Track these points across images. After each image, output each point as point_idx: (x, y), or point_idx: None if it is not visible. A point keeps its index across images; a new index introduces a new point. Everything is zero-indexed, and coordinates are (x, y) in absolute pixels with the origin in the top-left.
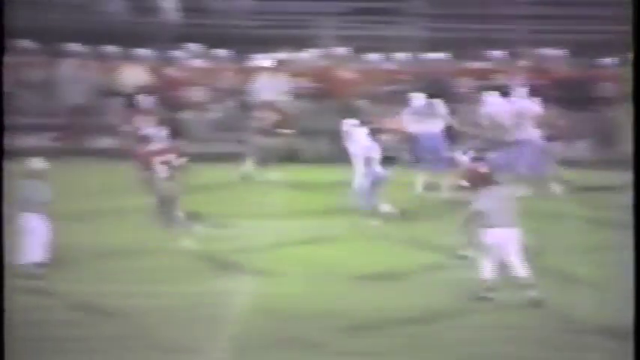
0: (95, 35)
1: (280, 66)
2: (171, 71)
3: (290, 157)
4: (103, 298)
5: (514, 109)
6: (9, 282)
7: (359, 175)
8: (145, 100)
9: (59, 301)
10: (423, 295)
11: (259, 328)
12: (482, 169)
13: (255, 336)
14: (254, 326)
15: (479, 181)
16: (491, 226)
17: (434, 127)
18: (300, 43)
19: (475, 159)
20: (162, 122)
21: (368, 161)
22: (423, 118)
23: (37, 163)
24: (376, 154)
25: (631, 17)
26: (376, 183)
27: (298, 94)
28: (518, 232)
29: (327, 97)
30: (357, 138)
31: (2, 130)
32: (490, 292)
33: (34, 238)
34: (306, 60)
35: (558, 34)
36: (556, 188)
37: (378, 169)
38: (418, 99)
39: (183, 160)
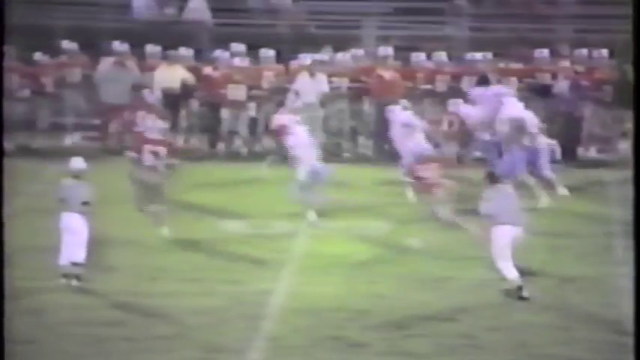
0: (136, 36)
1: (321, 66)
2: (210, 71)
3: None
4: (142, 297)
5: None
6: (41, 283)
7: (300, 171)
8: (149, 96)
9: (98, 301)
10: (459, 295)
11: (299, 327)
12: (429, 171)
13: (295, 335)
14: (294, 325)
15: (421, 188)
16: (499, 224)
17: (418, 137)
18: (342, 44)
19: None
20: (164, 116)
21: (307, 157)
22: (408, 130)
23: (78, 163)
24: (315, 150)
25: (631, 17)
26: (317, 179)
27: (339, 94)
28: (520, 230)
29: (369, 96)
30: (298, 133)
31: (2, 130)
32: (522, 290)
33: (74, 238)
34: (347, 60)
35: (603, 33)
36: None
37: (318, 165)
38: (400, 111)
39: (172, 155)
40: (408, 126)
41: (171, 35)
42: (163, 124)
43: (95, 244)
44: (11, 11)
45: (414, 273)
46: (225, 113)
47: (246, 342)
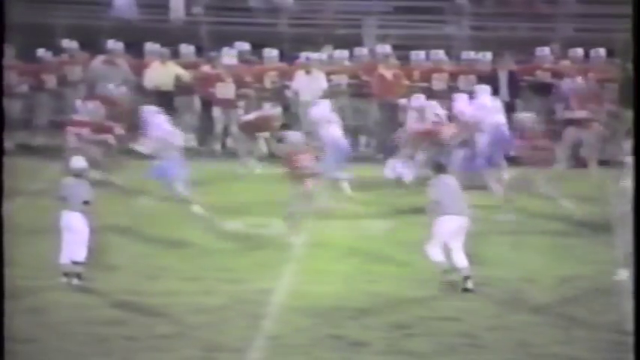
0: (133, 34)
1: (322, 65)
2: (208, 69)
3: None
4: (143, 296)
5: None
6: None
7: (160, 162)
8: (112, 90)
9: (99, 300)
10: (460, 294)
11: (300, 326)
12: (306, 161)
13: (295, 334)
14: (295, 324)
15: (295, 177)
16: (443, 214)
17: (334, 130)
18: (342, 43)
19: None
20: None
21: (168, 147)
22: (326, 123)
23: (79, 162)
24: (178, 140)
25: (631, 17)
26: (180, 170)
27: (339, 91)
28: (466, 220)
29: (370, 95)
30: (158, 123)
31: (2, 128)
32: (448, 275)
33: (75, 237)
34: (345, 58)
35: (604, 32)
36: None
37: (178, 156)
38: (323, 105)
39: (100, 136)
40: (324, 117)
41: (171, 34)
42: (91, 105)
43: (95, 243)
44: (11, 10)
45: (415, 272)
46: (216, 111)
47: (247, 341)
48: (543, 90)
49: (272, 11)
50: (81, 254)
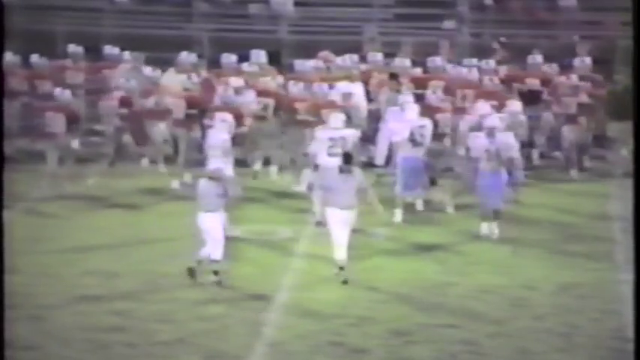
0: (140, 41)
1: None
2: (210, 76)
3: None
4: (144, 303)
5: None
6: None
7: None
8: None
9: (100, 307)
10: (460, 301)
11: (300, 332)
12: None
13: (296, 341)
14: (295, 331)
15: None
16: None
17: None
18: (342, 50)
19: None
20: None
21: None
22: None
23: (216, 164)
24: None
25: (631, 18)
26: None
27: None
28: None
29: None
30: None
31: (2, 134)
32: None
33: (211, 237)
34: (348, 66)
35: (604, 39)
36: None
37: None
38: None
39: None
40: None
41: (177, 41)
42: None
43: (96, 250)
44: (11, 17)
45: (416, 279)
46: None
47: (248, 348)
48: (532, 97)
49: (272, 18)
50: (218, 253)
